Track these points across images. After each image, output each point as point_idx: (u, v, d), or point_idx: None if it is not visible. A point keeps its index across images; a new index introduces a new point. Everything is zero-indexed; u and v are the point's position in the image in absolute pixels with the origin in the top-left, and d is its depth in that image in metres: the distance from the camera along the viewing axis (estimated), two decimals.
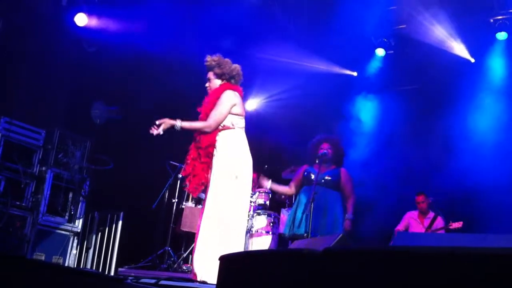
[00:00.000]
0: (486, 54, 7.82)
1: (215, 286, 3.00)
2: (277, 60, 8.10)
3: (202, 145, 4.52)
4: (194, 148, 4.59)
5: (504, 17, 7.42)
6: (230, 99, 4.58)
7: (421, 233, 6.32)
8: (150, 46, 7.58)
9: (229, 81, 4.74)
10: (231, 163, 4.48)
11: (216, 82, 4.74)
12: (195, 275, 4.26)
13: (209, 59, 4.75)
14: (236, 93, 4.67)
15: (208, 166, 4.52)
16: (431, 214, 7.20)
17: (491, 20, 7.50)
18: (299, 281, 1.96)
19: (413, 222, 7.26)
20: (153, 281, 3.65)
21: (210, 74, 4.77)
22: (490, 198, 6.99)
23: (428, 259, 1.65)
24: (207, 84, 4.80)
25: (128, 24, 7.64)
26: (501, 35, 7.55)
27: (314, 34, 8.18)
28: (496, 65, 7.78)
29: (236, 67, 4.78)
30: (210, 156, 4.52)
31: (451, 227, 6.63)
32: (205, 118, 4.57)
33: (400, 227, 7.25)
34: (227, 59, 4.79)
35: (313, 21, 7.88)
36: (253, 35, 7.77)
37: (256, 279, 2.24)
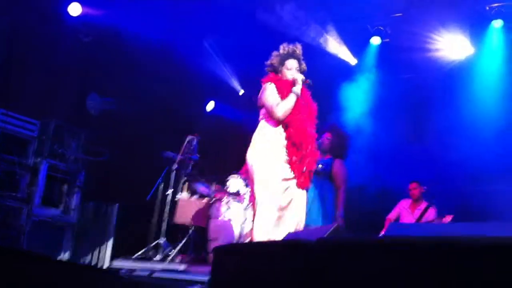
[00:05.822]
0: (482, 43, 7.79)
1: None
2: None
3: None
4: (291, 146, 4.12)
5: (499, 4, 7.39)
6: None
7: (412, 224, 6.17)
8: (146, 36, 7.54)
9: None
10: None
11: None
12: None
13: (299, 48, 4.26)
14: None
15: None
16: (423, 205, 7.03)
17: (487, 8, 7.47)
18: (294, 271, 1.97)
19: (404, 212, 7.13)
20: (147, 273, 3.65)
21: (297, 64, 4.28)
22: (487, 187, 6.99)
23: (422, 249, 1.65)
24: (292, 74, 4.25)
25: (125, 13, 7.57)
26: (497, 23, 7.52)
27: (309, 22, 8.11)
28: (492, 53, 7.76)
29: None
30: None
31: (444, 221, 6.30)
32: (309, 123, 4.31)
33: (392, 215, 7.16)
34: None
35: (308, 8, 7.81)
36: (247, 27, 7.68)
37: (251, 268, 2.25)
